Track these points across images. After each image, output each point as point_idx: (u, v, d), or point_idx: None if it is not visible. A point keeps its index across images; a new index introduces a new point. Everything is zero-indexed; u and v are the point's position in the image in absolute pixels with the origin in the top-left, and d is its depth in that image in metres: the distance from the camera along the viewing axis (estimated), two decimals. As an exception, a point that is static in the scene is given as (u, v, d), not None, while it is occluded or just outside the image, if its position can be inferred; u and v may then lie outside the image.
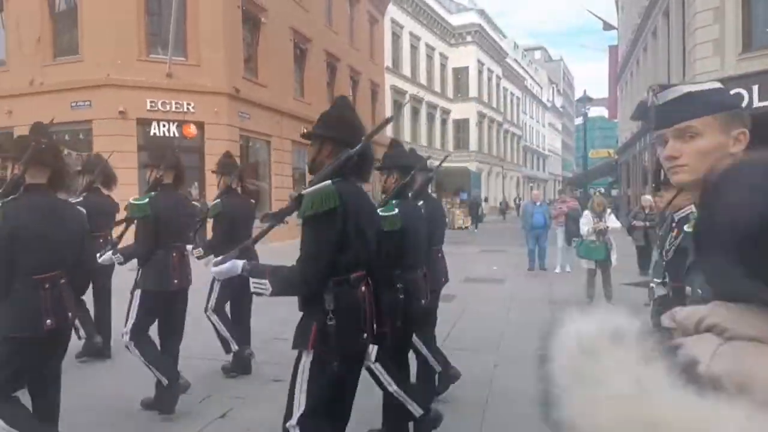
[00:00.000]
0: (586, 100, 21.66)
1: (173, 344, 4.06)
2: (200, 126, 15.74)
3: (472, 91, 40.43)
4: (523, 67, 55.90)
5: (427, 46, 35.92)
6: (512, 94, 51.71)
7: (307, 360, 2.22)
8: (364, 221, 2.33)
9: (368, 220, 2.40)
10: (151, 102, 15.00)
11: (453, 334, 6.00)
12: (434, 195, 4.97)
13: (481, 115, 41.80)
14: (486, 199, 37.18)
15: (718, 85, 1.36)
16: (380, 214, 3.03)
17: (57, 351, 2.90)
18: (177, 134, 15.53)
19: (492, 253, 14.69)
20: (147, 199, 3.79)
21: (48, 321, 2.70)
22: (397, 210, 3.14)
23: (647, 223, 9.72)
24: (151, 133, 15.19)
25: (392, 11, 30.74)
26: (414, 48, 34.19)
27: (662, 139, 1.36)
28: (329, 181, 2.23)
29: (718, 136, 1.29)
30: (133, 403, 3.96)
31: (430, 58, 36.55)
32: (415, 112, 34.62)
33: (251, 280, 2.33)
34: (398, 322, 3.16)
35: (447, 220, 15.96)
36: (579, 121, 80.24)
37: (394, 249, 3.06)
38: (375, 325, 2.38)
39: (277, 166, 19.26)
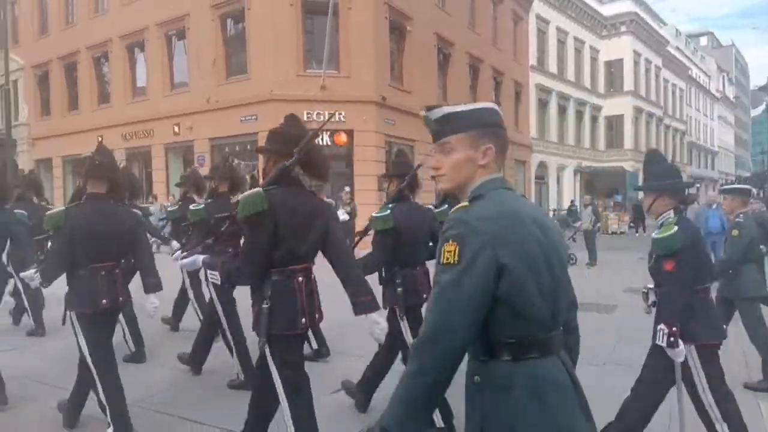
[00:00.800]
0: (769, 87, 18.89)
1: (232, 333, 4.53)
2: (350, 134, 16.56)
3: (627, 85, 37.46)
4: (686, 56, 50.55)
5: (576, 39, 34.06)
6: (674, 85, 46.97)
7: (263, 340, 2.63)
8: (299, 222, 2.63)
9: (305, 221, 2.68)
10: (307, 113, 16.11)
11: (619, 349, 5.56)
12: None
13: (638, 110, 38.56)
14: (643, 202, 34.14)
15: (475, 106, 1.55)
16: (373, 215, 3.56)
17: (111, 327, 3.54)
18: (329, 142, 16.51)
19: (654, 261, 13.41)
20: (203, 206, 4.40)
21: (103, 301, 3.33)
22: (389, 212, 3.47)
23: None
24: (307, 142, 16.30)
25: (537, 7, 29.64)
26: (561, 43, 32.63)
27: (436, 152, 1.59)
28: (260, 188, 2.58)
29: (468, 150, 1.52)
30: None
31: (578, 52, 34.61)
32: (563, 110, 33.00)
33: (208, 271, 2.76)
34: (402, 314, 3.49)
35: (599, 225, 14.95)
36: (756, 112, 70.34)
37: (390, 246, 3.45)
38: (311, 312, 2.69)
39: (421, 171, 19.54)
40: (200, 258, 2.88)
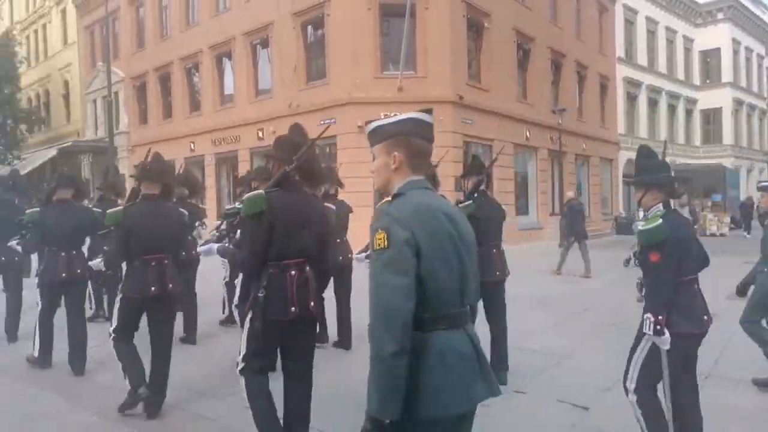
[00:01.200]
0: None
1: None
2: (427, 134, 16.48)
3: (726, 76, 34.71)
4: (796, 40, 46.03)
5: (668, 29, 31.99)
6: (781, 73, 42.95)
7: (247, 318, 2.99)
8: (294, 221, 2.92)
9: (300, 221, 2.96)
10: (384, 115, 16.06)
11: (722, 362, 5.12)
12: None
13: (738, 103, 35.64)
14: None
15: (397, 118, 1.88)
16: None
17: (161, 311, 4.02)
18: (406, 143, 16.54)
19: (758, 265, 12.27)
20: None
21: (153, 288, 3.87)
22: None
23: None
24: (384, 144, 16.42)
25: (625, -4, 28.15)
26: (651, 33, 30.77)
27: None
28: (261, 191, 2.95)
29: (384, 157, 1.88)
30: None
31: (670, 42, 32.48)
32: (653, 104, 31.09)
33: (220, 258, 3.26)
34: None
35: (696, 226, 14.03)
36: None
37: None
38: (301, 301, 3.00)
39: (499, 170, 19.14)
40: (215, 246, 3.32)
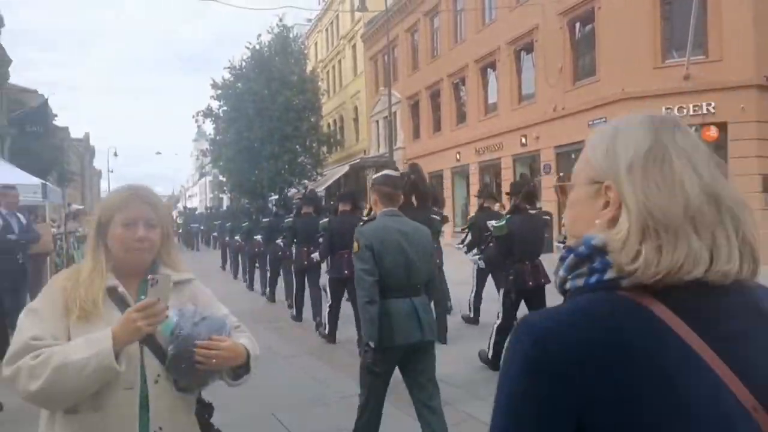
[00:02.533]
0: None
1: None
2: (722, 127, 13.99)
3: None
4: None
5: None
6: None
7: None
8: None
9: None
10: (666, 109, 14.31)
11: None
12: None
13: None
14: None
15: (378, 174, 3.62)
16: (493, 224, 5.35)
17: (342, 290, 6.46)
18: (695, 139, 14.30)
19: None
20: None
21: (345, 272, 6.00)
22: (504, 221, 5.10)
23: None
24: (666, 142, 14.51)
25: None
26: None
27: None
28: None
29: (373, 197, 3.51)
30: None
31: None
32: None
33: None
34: (512, 296, 4.94)
35: None
36: None
37: (504, 247, 5.11)
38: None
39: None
40: None
